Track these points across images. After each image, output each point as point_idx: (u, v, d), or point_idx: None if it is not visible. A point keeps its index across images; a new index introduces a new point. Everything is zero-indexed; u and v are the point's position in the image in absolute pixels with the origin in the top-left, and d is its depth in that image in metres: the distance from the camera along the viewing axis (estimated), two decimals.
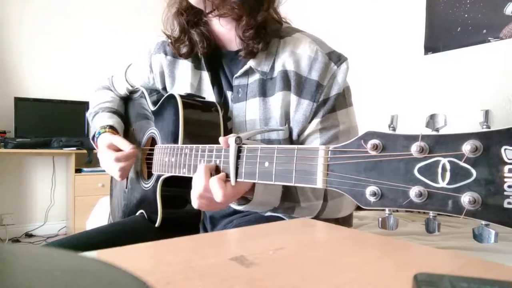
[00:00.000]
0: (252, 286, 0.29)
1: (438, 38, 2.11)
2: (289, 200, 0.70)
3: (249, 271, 0.32)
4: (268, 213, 0.80)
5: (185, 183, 0.68)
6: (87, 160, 3.01)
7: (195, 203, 0.64)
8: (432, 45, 2.14)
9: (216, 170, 0.62)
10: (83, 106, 3.23)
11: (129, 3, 3.64)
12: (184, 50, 0.84)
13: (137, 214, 0.91)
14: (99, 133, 0.93)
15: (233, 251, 0.38)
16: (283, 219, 0.78)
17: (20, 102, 3.09)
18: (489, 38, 1.90)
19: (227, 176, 0.59)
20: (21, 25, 3.20)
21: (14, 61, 3.18)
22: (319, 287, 0.29)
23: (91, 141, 1.01)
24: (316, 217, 0.75)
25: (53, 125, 3.20)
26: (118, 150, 0.88)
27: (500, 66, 1.87)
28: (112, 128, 0.95)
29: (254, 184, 0.62)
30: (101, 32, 3.52)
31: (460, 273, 0.31)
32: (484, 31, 1.91)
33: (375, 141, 0.38)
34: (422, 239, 1.24)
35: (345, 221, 0.83)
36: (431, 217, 0.36)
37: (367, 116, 1.81)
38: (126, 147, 0.86)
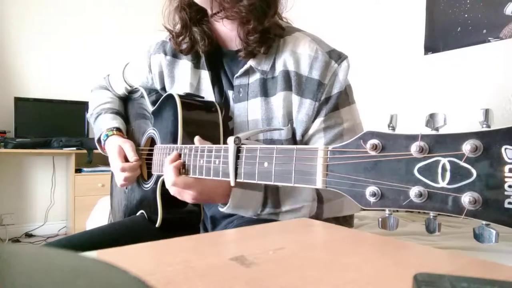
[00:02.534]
0: (252, 286, 0.29)
1: (438, 38, 2.11)
2: (271, 206, 0.71)
3: (249, 271, 0.32)
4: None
5: None
6: (87, 160, 3.01)
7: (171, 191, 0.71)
8: (432, 45, 2.14)
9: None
10: (83, 106, 3.23)
11: (130, 3, 3.63)
12: (184, 46, 0.84)
13: (137, 214, 0.91)
14: (107, 136, 0.95)
15: (233, 251, 0.38)
16: None
17: (20, 102, 3.09)
18: (489, 38, 1.90)
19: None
20: (21, 25, 3.20)
21: (14, 61, 3.18)
22: (319, 287, 0.29)
23: (96, 144, 1.01)
24: (317, 217, 0.75)
25: (53, 125, 3.20)
26: (126, 156, 0.91)
27: (500, 66, 1.87)
28: (119, 130, 0.96)
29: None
30: (101, 32, 3.52)
31: (460, 273, 0.31)
32: (484, 31, 1.91)
33: (375, 141, 0.38)
34: (422, 239, 1.23)
35: (346, 221, 0.83)
36: (431, 217, 0.36)
37: (366, 115, 1.80)
38: (131, 157, 0.89)
